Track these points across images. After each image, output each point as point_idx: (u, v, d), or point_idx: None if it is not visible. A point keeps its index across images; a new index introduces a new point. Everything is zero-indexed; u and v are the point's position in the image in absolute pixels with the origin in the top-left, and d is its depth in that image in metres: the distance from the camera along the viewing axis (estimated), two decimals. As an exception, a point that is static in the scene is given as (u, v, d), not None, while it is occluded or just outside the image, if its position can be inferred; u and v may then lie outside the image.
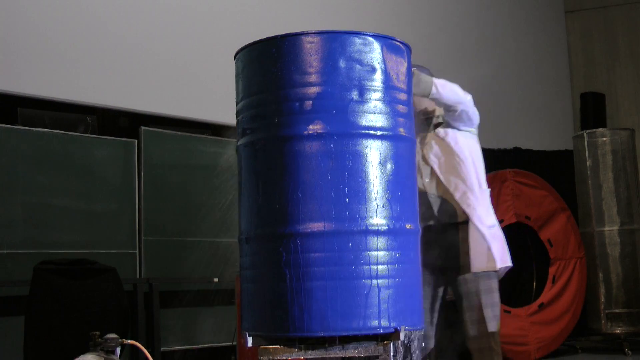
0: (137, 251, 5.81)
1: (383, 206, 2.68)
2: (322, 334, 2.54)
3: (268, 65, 2.75)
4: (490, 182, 6.49)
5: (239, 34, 6.69)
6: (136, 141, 5.92)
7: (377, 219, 2.66)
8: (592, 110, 9.18)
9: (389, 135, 2.76)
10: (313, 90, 2.69)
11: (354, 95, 2.72)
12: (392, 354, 2.57)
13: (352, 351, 2.58)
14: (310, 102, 2.68)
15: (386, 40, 2.81)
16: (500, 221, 6.43)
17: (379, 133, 2.73)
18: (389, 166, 2.73)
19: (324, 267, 2.57)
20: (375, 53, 2.76)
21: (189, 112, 6.39)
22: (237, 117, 2.95)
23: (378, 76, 2.76)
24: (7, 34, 5.39)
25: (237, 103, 2.95)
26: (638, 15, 10.09)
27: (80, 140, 5.67)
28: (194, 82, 6.39)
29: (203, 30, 6.51)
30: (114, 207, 5.74)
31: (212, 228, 6.25)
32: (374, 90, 2.75)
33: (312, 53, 2.70)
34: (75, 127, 5.77)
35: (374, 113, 2.74)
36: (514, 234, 6.85)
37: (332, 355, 2.57)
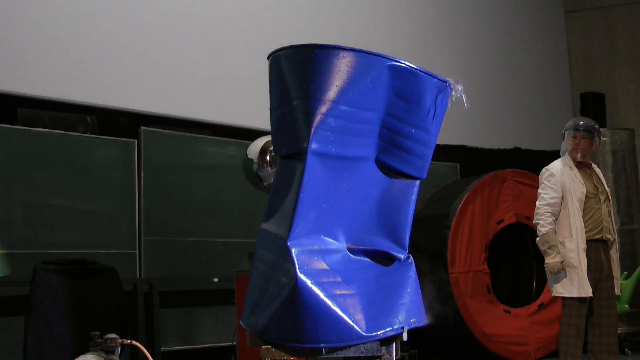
0: (137, 251, 5.80)
1: (387, 226, 2.70)
2: (338, 344, 2.53)
3: (298, 73, 2.69)
4: (491, 182, 6.54)
5: (239, 35, 6.70)
6: (136, 141, 5.92)
7: (381, 237, 2.69)
8: (591, 110, 9.18)
9: (393, 178, 2.76)
10: (336, 107, 2.64)
11: (382, 126, 2.69)
12: (394, 354, 2.58)
13: (354, 351, 2.58)
14: (332, 119, 2.64)
15: (433, 80, 2.71)
16: (500, 221, 6.50)
17: (384, 170, 2.73)
18: (386, 198, 2.74)
19: (333, 281, 2.56)
20: (419, 89, 2.68)
21: (189, 112, 6.38)
22: (270, 118, 2.93)
23: (411, 113, 2.70)
24: (7, 35, 5.38)
25: (270, 102, 2.91)
26: (638, 15, 10.09)
27: (80, 140, 5.66)
28: (193, 83, 6.38)
29: (202, 31, 6.51)
30: (114, 207, 5.74)
31: (211, 228, 6.25)
32: (403, 124, 2.70)
33: (343, 70, 2.65)
34: (75, 127, 5.76)
35: (388, 154, 2.72)
36: (514, 233, 6.85)
37: (334, 356, 2.58)
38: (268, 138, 5.19)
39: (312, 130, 2.61)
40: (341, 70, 2.62)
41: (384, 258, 2.70)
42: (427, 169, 2.84)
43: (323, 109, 2.62)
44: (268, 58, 2.86)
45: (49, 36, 5.60)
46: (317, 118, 2.61)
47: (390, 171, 2.74)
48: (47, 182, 5.40)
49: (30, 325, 4.51)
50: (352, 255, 2.65)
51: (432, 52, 8.33)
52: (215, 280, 5.94)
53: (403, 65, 2.68)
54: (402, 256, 2.72)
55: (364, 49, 2.69)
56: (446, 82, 2.78)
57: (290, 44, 2.77)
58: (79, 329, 4.56)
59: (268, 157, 5.06)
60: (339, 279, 2.56)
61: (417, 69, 2.69)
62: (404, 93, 2.68)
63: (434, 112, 2.74)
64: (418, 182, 2.84)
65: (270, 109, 2.88)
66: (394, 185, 2.76)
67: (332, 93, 2.62)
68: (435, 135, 2.81)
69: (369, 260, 2.68)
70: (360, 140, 2.67)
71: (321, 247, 2.59)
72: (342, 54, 2.63)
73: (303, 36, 6.61)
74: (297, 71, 2.70)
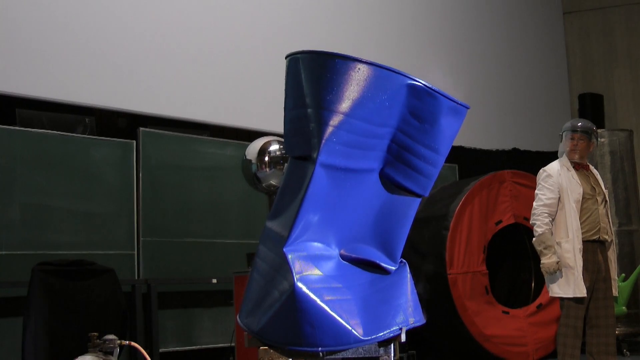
0: (136, 252, 5.80)
1: (381, 236, 2.71)
2: (337, 348, 2.54)
3: (315, 80, 2.64)
4: (489, 183, 6.54)
5: (238, 36, 6.70)
6: (134, 142, 5.91)
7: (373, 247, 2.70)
8: (590, 111, 9.18)
9: (395, 192, 2.75)
10: (349, 121, 2.63)
11: (392, 141, 2.67)
12: (392, 355, 2.58)
13: (352, 353, 2.59)
14: (343, 132, 2.63)
15: (450, 102, 2.69)
16: (499, 222, 6.50)
17: (387, 183, 2.72)
18: (386, 212, 2.74)
19: (328, 287, 2.56)
20: (435, 110, 2.66)
21: (188, 113, 6.38)
22: (284, 117, 2.89)
23: (423, 132, 2.69)
24: (5, 35, 5.38)
25: (285, 101, 2.87)
26: (636, 16, 10.10)
27: (79, 141, 5.66)
28: (192, 83, 6.38)
29: (201, 32, 6.51)
30: (113, 208, 5.74)
31: (210, 229, 6.24)
32: (414, 142, 2.68)
33: (361, 83, 2.62)
34: (73, 128, 5.76)
35: (394, 168, 2.71)
36: (513, 234, 6.85)
37: (332, 357, 2.58)
38: (267, 139, 5.19)
39: (323, 142, 2.59)
40: (359, 83, 2.59)
41: (373, 268, 2.71)
42: (431, 187, 2.82)
43: (335, 121, 2.59)
44: (286, 58, 2.83)
45: (48, 37, 5.59)
46: (329, 130, 2.60)
47: (394, 185, 2.74)
48: (46, 183, 5.40)
49: (29, 326, 4.51)
50: (344, 262, 2.66)
51: (431, 53, 8.33)
52: (214, 281, 5.94)
53: (422, 85, 2.65)
54: (392, 268, 2.72)
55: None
56: (463, 105, 2.76)
57: (311, 49, 2.74)
58: (77, 330, 4.55)
59: (266, 158, 5.06)
60: (334, 285, 2.56)
61: (435, 90, 2.67)
62: (420, 113, 2.66)
63: (441, 132, 2.72)
64: (419, 199, 2.84)
65: (284, 107, 2.86)
66: (395, 199, 2.75)
67: (346, 105, 2.59)
68: (444, 156, 2.79)
69: (360, 267, 2.69)
70: (368, 154, 2.66)
71: (315, 254, 2.59)
72: (362, 67, 2.59)
73: (303, 38, 6.61)
74: (314, 78, 2.66)
